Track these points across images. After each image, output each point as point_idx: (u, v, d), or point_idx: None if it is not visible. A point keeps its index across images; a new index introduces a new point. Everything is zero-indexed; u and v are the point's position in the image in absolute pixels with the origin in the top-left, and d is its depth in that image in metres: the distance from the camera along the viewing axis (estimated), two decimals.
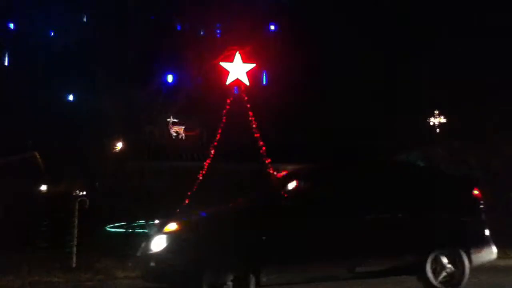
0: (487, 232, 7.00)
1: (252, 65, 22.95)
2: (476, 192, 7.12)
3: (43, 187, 24.90)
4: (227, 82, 23.19)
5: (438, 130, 23.42)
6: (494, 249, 6.97)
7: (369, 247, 6.19)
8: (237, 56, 22.65)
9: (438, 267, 6.44)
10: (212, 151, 21.86)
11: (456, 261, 6.53)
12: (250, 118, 22.84)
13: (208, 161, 21.94)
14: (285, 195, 6.37)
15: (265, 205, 6.43)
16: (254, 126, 22.59)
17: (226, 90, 23.13)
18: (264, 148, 20.87)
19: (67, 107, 22.41)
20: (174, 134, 25.03)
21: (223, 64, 22.67)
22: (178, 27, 21.69)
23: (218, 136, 21.69)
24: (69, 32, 21.00)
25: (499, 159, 16.54)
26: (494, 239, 7.08)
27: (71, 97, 22.50)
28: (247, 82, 23.32)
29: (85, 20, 20.54)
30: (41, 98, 22.26)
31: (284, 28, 24.20)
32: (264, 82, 26.21)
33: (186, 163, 24.88)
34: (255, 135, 22.10)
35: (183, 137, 28.20)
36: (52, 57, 21.08)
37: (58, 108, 22.57)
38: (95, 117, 21.10)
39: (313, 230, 6.10)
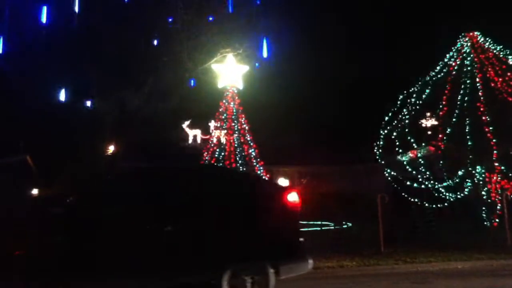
0: (300, 241, 6.30)
1: (246, 68, 22.92)
2: (291, 198, 6.28)
3: (35, 191, 24.68)
4: (219, 86, 23.13)
5: (429, 133, 23.49)
6: (308, 260, 6.24)
7: (144, 261, 5.38)
8: (231, 59, 22.57)
9: (238, 284, 5.73)
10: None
11: (260, 275, 5.82)
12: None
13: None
14: (53, 203, 5.69)
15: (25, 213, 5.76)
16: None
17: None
18: None
19: (62, 107, 22.18)
20: (192, 138, 24.72)
21: (215, 66, 22.59)
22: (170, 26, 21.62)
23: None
24: (63, 30, 20.90)
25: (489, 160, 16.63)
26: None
27: (66, 98, 22.33)
28: (240, 86, 23.27)
29: (79, 20, 20.47)
30: (36, 96, 22.04)
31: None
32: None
33: None
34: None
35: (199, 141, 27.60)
36: (47, 55, 20.90)
37: (54, 108, 22.36)
38: (90, 119, 20.97)
39: (70, 243, 5.30)
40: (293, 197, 6.30)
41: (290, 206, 6.24)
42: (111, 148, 24.92)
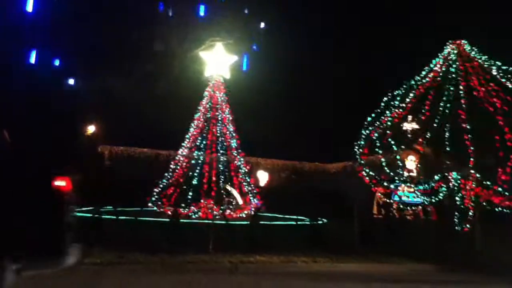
0: (62, 234, 5.55)
1: (235, 58, 22.67)
2: (61, 183, 5.66)
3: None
4: (206, 74, 22.86)
5: (410, 136, 23.80)
6: (67, 255, 5.52)
7: None
8: (219, 47, 22.29)
9: None
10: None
11: None
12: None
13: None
14: None
15: None
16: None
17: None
18: None
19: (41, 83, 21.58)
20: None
21: (203, 54, 22.31)
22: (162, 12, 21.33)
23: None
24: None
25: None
26: None
27: (48, 73, 21.74)
28: (227, 75, 23.02)
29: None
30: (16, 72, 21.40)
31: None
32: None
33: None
34: None
35: None
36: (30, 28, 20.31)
37: (34, 85, 21.78)
38: (72, 97, 20.60)
39: None
40: (60, 184, 5.63)
41: (54, 195, 5.60)
42: (90, 129, 24.56)
